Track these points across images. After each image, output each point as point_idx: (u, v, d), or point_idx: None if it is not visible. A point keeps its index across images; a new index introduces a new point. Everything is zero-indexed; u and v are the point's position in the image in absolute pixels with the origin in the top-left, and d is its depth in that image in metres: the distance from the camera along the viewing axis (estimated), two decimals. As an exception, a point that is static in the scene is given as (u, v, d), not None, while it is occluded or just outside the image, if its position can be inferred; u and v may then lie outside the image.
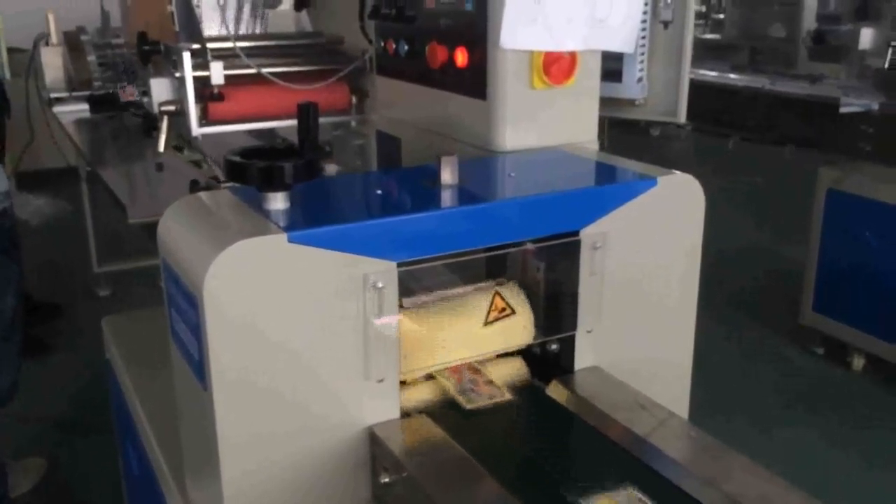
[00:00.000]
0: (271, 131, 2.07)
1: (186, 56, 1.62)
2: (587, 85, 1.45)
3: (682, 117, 1.67)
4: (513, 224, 1.13)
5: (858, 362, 3.40)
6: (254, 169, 1.03)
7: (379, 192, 1.17)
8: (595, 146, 1.49)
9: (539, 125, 1.42)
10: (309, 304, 1.01)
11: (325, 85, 1.80)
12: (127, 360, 1.70)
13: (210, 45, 1.69)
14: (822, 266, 3.47)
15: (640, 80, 1.66)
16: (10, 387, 2.32)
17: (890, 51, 3.33)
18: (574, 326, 1.22)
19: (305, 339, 1.02)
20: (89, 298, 4.18)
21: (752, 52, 4.67)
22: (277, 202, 1.06)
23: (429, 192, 1.14)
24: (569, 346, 1.25)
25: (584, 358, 1.25)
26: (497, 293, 1.17)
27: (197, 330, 0.99)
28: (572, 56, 1.40)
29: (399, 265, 1.05)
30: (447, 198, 1.12)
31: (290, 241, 0.98)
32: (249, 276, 0.97)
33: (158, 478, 1.40)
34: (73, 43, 3.61)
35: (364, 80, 1.89)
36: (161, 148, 1.71)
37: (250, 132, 2.05)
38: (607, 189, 1.21)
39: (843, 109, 3.28)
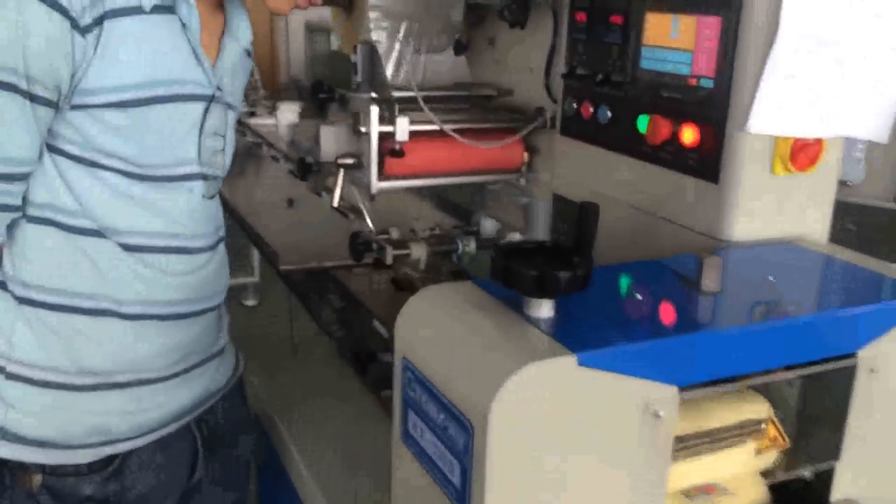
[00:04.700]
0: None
1: (374, 111, 1.53)
2: (827, 173, 1.33)
3: (903, 204, 1.54)
4: (796, 344, 1.01)
5: None
6: (529, 276, 0.92)
7: (638, 296, 1.05)
8: (825, 240, 1.36)
9: (773, 214, 1.30)
10: (584, 431, 0.90)
11: (504, 144, 1.70)
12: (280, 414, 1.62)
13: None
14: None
15: (859, 161, 1.53)
16: None
17: None
18: (835, 455, 1.09)
19: (575, 467, 0.91)
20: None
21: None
22: (544, 310, 0.95)
23: (697, 301, 1.02)
24: (825, 474, 1.12)
25: (841, 489, 1.12)
26: (773, 422, 1.05)
27: (463, 455, 0.88)
28: (819, 142, 1.28)
29: (680, 390, 0.93)
30: (724, 310, 1.00)
31: (580, 363, 0.87)
32: (534, 401, 0.86)
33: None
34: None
35: (539, 138, 1.78)
36: (336, 203, 1.61)
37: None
38: (892, 304, 1.08)
39: None
